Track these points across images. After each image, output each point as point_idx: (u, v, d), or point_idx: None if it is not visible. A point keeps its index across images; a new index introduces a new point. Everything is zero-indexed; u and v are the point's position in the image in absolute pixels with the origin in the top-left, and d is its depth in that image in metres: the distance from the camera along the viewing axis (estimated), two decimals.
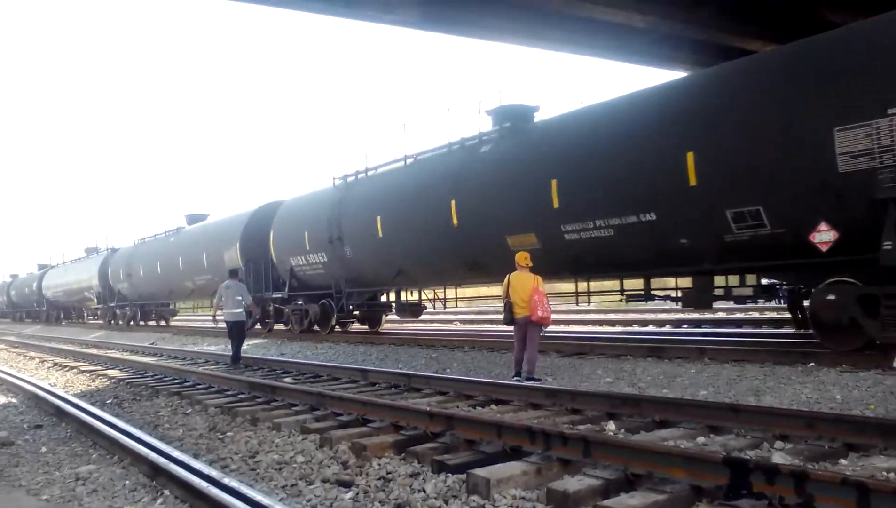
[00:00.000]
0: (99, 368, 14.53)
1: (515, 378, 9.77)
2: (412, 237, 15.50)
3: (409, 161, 16.65)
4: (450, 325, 23.75)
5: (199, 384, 10.70)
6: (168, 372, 12.44)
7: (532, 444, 5.18)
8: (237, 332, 13.73)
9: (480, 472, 4.65)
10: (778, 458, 4.67)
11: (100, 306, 37.61)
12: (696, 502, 4.02)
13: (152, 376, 12.40)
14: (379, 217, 16.21)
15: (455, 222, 14.12)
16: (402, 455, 5.69)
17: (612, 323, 20.61)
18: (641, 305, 26.68)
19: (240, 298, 13.73)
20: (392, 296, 19.86)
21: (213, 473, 5.13)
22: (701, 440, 5.60)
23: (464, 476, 4.82)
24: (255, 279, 21.19)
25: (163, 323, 33.91)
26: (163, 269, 28.59)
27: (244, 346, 14.70)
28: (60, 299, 45.59)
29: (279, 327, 22.18)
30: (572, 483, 4.34)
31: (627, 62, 19.29)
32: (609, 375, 10.12)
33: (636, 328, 18.75)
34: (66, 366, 15.63)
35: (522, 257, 10.07)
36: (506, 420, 5.76)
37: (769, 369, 9.61)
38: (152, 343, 21.04)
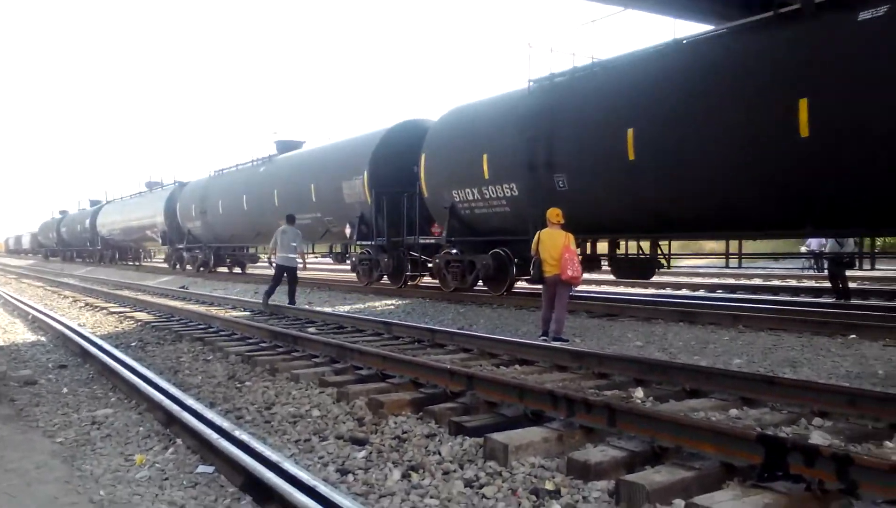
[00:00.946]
0: (128, 310, 14.62)
1: (542, 338, 9.54)
2: (697, 161, 10.60)
3: (680, 45, 11.34)
4: None
5: (223, 331, 10.65)
6: (193, 317, 12.43)
7: (554, 409, 4.95)
8: (290, 276, 14.30)
9: (498, 437, 4.44)
10: (817, 437, 4.38)
11: (165, 247, 33.26)
12: (726, 480, 3.77)
13: (178, 320, 12.40)
14: (631, 131, 11.18)
15: (805, 132, 9.08)
16: (420, 413, 5.51)
17: (645, 285, 20.19)
18: (676, 267, 26.22)
19: (294, 244, 14.25)
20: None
21: (225, 424, 4.99)
22: (734, 412, 5.32)
23: (481, 440, 4.62)
24: (388, 219, 16.99)
25: (237, 270, 29.50)
26: (250, 205, 23.60)
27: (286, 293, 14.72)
28: (116, 238, 40.84)
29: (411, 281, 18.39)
30: (594, 454, 4.11)
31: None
32: (639, 338, 9.85)
33: (669, 292, 18.37)
34: (96, 306, 15.76)
35: (554, 214, 9.74)
36: (528, 383, 5.53)
37: (807, 339, 9.27)
38: (182, 287, 21.14)
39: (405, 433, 5.11)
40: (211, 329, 10.95)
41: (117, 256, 43.50)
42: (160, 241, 33.02)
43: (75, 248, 51.64)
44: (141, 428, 5.65)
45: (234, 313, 13.48)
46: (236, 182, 25.39)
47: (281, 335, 9.38)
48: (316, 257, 25.42)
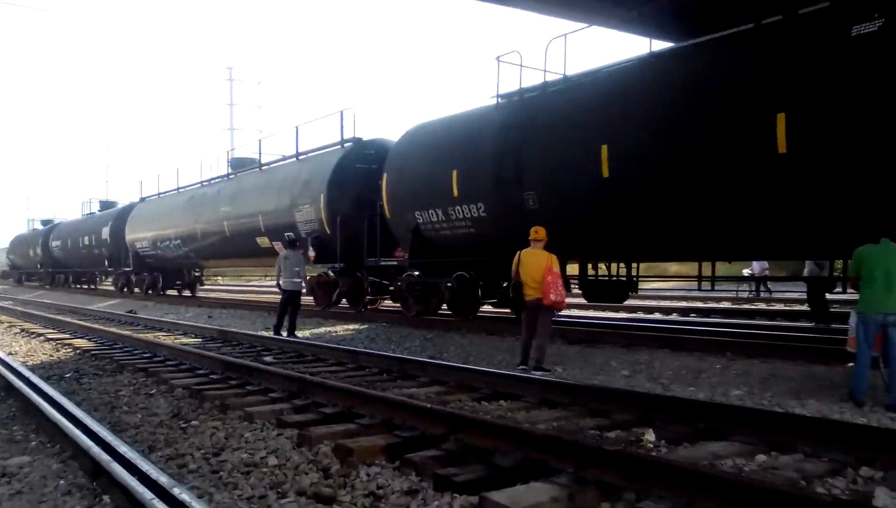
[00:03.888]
0: (67, 336, 13.46)
1: (521, 367, 8.77)
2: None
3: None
4: None
5: (169, 360, 9.65)
6: (138, 345, 11.37)
7: (560, 460, 4.15)
8: (294, 302, 13.61)
9: (498, 497, 3.63)
10: (883, 496, 3.66)
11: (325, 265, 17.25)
12: None
13: (121, 348, 11.34)
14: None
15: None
16: (396, 462, 4.66)
17: (615, 309, 19.57)
18: (644, 292, 25.73)
19: (297, 269, 13.68)
20: None
21: (163, 479, 4.09)
22: (762, 458, 4.59)
23: (474, 499, 3.81)
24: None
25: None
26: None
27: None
28: (167, 254, 25.79)
29: None
30: None
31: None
32: (625, 367, 9.14)
33: (641, 315, 17.77)
34: (33, 333, 14.56)
35: (535, 231, 9.02)
36: (524, 427, 4.73)
37: (804, 368, 8.64)
38: (130, 312, 19.90)
39: (380, 488, 4.27)
40: (156, 358, 9.94)
41: (160, 281, 28.15)
42: (313, 252, 17.12)
43: (75, 269, 37.39)
44: (62, 481, 4.73)
45: (185, 340, 12.46)
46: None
47: (233, 365, 8.45)
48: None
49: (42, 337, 13.62)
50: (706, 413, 5.35)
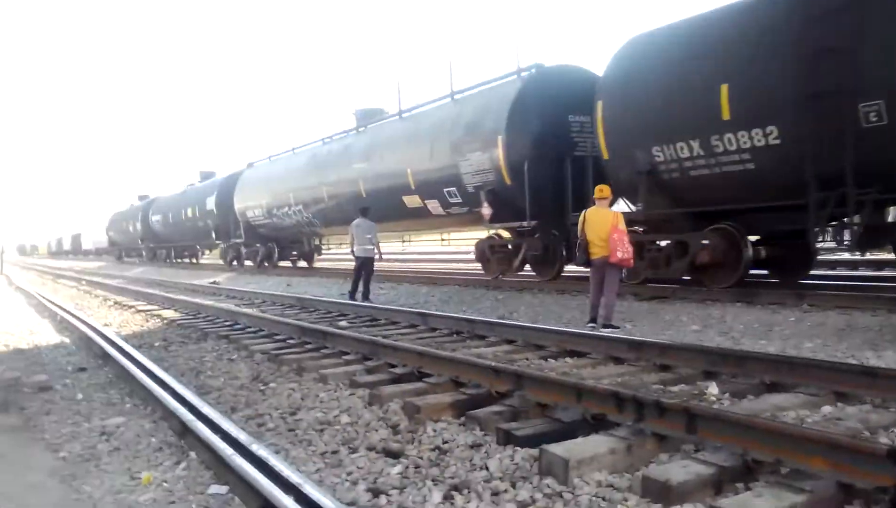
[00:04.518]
0: (155, 308, 14.18)
1: (590, 325, 8.83)
2: None
3: None
4: None
5: (249, 328, 10.08)
6: (220, 313, 11.90)
7: (620, 413, 4.24)
8: (367, 268, 14.06)
9: (556, 449, 3.75)
10: None
11: None
12: (845, 507, 3.04)
13: (204, 317, 11.89)
14: None
15: None
16: (462, 419, 4.84)
17: None
18: None
19: (370, 236, 14.04)
20: None
21: (242, 437, 4.37)
22: (827, 409, 4.56)
23: (535, 452, 3.94)
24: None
25: None
26: None
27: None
28: (284, 223, 23.86)
29: None
30: (675, 472, 3.39)
31: None
32: (695, 322, 9.07)
33: None
34: (125, 305, 15.38)
35: (599, 190, 8.99)
36: (586, 383, 4.81)
37: (884, 318, 8.41)
38: (213, 282, 20.73)
39: (446, 442, 4.45)
40: (237, 326, 10.41)
41: (276, 252, 26.07)
42: (488, 209, 14.32)
43: (177, 243, 35.65)
44: (153, 439, 5.09)
45: (265, 308, 12.97)
46: None
47: (310, 330, 8.77)
48: None
49: (133, 309, 14.38)
50: (772, 367, 5.30)
